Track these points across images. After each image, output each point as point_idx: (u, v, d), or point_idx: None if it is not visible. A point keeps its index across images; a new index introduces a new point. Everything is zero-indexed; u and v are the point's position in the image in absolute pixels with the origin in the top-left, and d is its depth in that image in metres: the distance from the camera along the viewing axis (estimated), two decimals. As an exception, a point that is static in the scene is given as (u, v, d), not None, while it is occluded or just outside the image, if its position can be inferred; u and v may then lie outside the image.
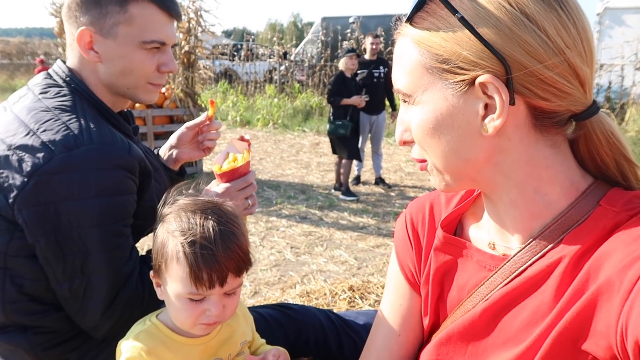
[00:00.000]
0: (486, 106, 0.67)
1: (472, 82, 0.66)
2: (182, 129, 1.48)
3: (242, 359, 1.08)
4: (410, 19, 0.70)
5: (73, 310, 1.10)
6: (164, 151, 1.52)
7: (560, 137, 0.72)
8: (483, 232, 0.84)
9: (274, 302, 1.82)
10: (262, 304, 1.39)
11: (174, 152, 1.49)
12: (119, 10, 1.14)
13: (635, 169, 0.73)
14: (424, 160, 0.78)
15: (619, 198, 0.69)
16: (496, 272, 0.76)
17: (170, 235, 0.93)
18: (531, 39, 0.63)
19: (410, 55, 0.70)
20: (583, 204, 0.71)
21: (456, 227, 0.89)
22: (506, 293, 0.74)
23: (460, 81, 0.67)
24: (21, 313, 1.11)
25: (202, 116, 1.46)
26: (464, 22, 0.64)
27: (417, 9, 0.69)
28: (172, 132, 7.12)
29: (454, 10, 0.65)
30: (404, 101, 0.75)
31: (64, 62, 1.22)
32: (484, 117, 0.68)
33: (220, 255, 0.91)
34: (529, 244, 0.73)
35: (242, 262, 0.95)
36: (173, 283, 0.93)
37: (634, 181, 0.73)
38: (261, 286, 3.35)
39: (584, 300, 0.63)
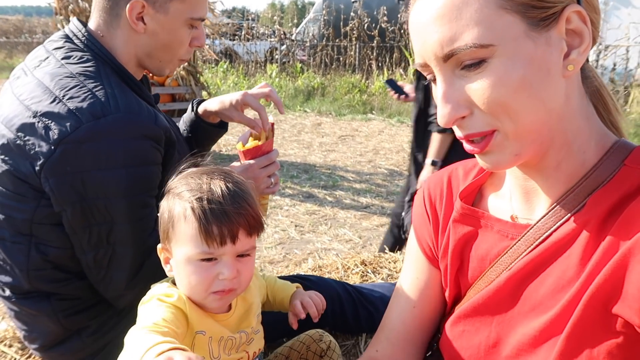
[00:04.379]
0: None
1: (557, 16, 0.62)
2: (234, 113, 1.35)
3: (258, 337, 1.04)
4: None
5: (97, 280, 1.11)
6: (210, 104, 1.41)
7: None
8: (504, 203, 0.82)
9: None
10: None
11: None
12: None
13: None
14: (490, 133, 0.66)
15: None
16: (519, 241, 0.75)
17: (177, 197, 0.90)
18: None
19: None
20: (607, 163, 0.69)
21: (474, 199, 0.88)
22: (530, 260, 0.73)
23: (549, 15, 0.62)
24: (45, 280, 1.12)
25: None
26: None
27: None
28: (174, 110, 6.87)
29: None
30: (470, 65, 0.63)
31: (83, 24, 1.20)
32: (567, 54, 0.64)
33: (230, 209, 0.87)
34: (552, 209, 0.72)
35: (253, 220, 0.91)
36: (182, 246, 0.89)
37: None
38: (266, 264, 3.38)
39: (615, 262, 0.62)
